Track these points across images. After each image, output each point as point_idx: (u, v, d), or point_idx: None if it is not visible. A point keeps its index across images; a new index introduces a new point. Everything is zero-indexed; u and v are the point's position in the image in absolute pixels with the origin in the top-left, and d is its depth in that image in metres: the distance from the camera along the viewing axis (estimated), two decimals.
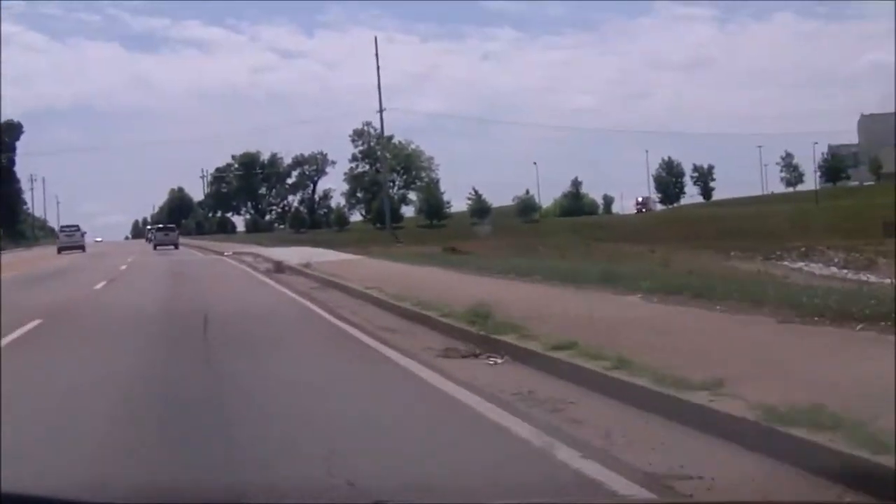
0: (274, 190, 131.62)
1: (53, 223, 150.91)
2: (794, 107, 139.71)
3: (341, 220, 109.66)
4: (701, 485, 4.20)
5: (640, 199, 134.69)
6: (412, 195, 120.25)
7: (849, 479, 4.06)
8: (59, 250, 53.26)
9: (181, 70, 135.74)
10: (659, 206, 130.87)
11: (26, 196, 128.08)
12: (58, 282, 24.22)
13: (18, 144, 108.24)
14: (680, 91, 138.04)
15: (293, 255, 28.75)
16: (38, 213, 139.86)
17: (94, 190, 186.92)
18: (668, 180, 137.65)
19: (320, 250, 31.68)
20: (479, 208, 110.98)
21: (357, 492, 4.03)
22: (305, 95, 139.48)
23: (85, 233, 66.25)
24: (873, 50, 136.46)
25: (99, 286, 20.91)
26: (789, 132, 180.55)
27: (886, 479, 3.87)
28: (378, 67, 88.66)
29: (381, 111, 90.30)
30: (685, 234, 57.01)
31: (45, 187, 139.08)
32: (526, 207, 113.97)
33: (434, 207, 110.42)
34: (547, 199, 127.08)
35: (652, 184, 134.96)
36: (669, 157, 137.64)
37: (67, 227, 65.21)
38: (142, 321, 12.42)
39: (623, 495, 4.12)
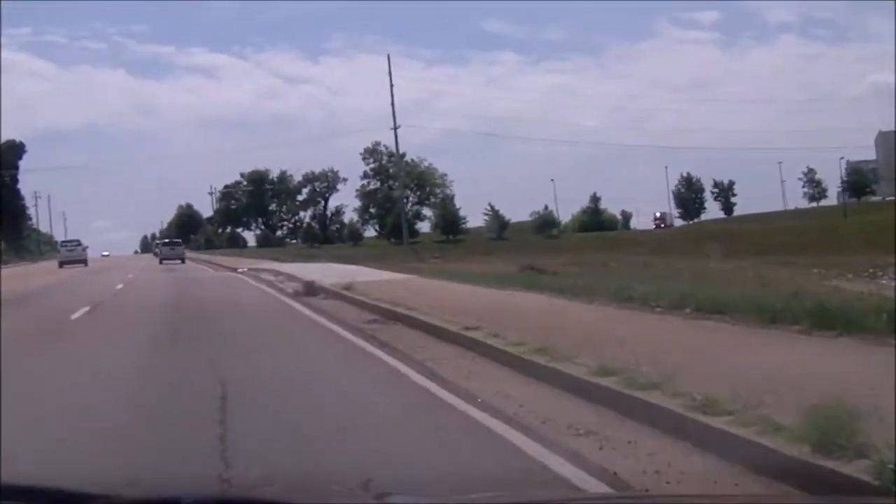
0: (284, 206, 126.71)
1: (61, 238, 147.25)
2: (799, 125, 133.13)
3: (355, 236, 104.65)
4: None
5: (658, 215, 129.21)
6: (426, 211, 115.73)
7: None
8: (61, 264, 52.58)
9: (186, 96, 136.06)
10: (679, 222, 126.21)
11: (32, 213, 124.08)
12: (29, 307, 18.85)
13: (21, 164, 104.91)
14: (684, 112, 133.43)
15: (321, 272, 23.56)
16: (44, 228, 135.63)
17: (103, 207, 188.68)
18: (688, 196, 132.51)
19: (351, 267, 26.47)
20: (497, 223, 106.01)
21: None
22: (310, 121, 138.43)
23: (86, 247, 64.93)
24: (877, 71, 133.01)
25: (76, 315, 15.64)
26: (795, 148, 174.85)
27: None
28: (391, 84, 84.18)
29: (395, 127, 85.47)
30: (736, 249, 52.02)
31: (50, 204, 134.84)
32: (545, 223, 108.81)
33: (450, 222, 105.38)
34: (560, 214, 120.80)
35: (670, 199, 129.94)
36: (688, 174, 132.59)
37: (68, 241, 64.60)
38: (112, 401, 6.99)
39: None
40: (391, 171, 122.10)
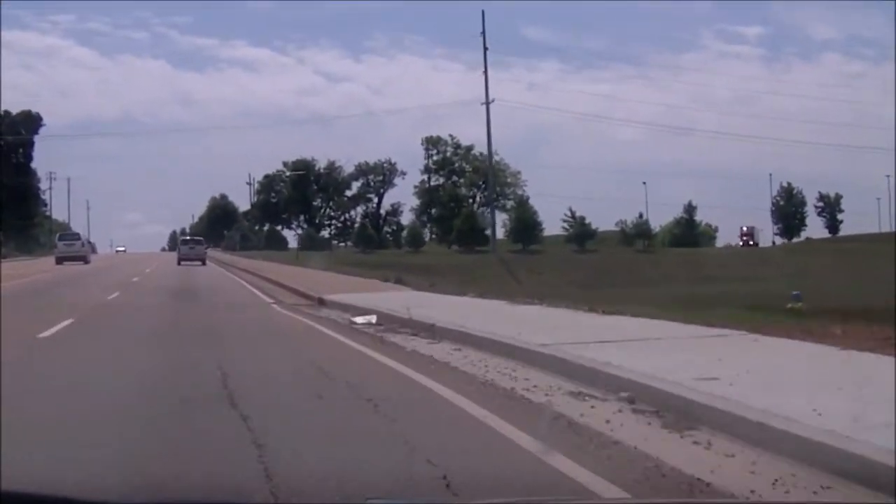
0: (331, 202, 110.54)
1: (80, 229, 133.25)
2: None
3: (416, 240, 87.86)
4: None
5: (745, 229, 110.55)
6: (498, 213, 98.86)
7: None
8: (58, 261, 46.88)
9: (226, 89, 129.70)
10: (778, 240, 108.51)
11: (52, 201, 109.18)
12: None
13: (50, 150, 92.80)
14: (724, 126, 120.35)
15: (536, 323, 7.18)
16: (59, 216, 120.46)
17: (136, 200, 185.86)
18: (788, 209, 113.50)
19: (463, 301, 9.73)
20: (581, 232, 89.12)
21: None
22: (349, 119, 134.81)
23: (88, 242, 60.49)
24: None
25: None
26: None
27: None
28: (485, 49, 68.22)
29: (487, 102, 68.41)
30: None
31: (70, 189, 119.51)
32: (639, 233, 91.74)
33: (526, 229, 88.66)
34: (606, 222, 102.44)
35: (766, 213, 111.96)
36: (789, 183, 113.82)
37: (67, 235, 58.54)
38: None
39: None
40: (457, 165, 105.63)
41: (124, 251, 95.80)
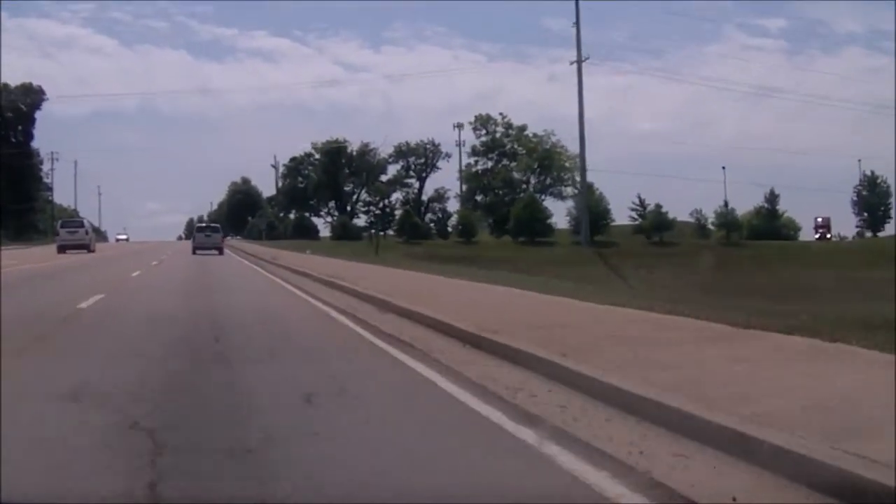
0: (365, 188, 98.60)
1: (93, 217, 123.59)
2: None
3: (468, 230, 75.66)
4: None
5: (819, 220, 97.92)
6: (552, 201, 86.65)
7: None
8: (60, 249, 44.08)
9: (246, 79, 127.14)
10: (864, 234, 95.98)
11: (55, 185, 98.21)
12: None
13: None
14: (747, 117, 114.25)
15: None
16: (66, 201, 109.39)
17: (156, 189, 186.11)
18: (874, 201, 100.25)
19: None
20: (657, 222, 76.90)
21: None
22: (369, 110, 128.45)
23: (94, 229, 56.97)
24: None
25: None
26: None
27: None
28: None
29: (579, 60, 55.80)
30: None
31: (76, 173, 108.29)
32: (724, 224, 79.44)
33: (595, 219, 76.61)
34: (679, 212, 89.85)
35: (848, 204, 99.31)
36: (872, 172, 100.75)
37: (69, 221, 53.83)
38: None
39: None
40: (509, 147, 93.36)
41: (126, 240, 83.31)
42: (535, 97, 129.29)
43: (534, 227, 75.51)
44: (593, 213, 76.75)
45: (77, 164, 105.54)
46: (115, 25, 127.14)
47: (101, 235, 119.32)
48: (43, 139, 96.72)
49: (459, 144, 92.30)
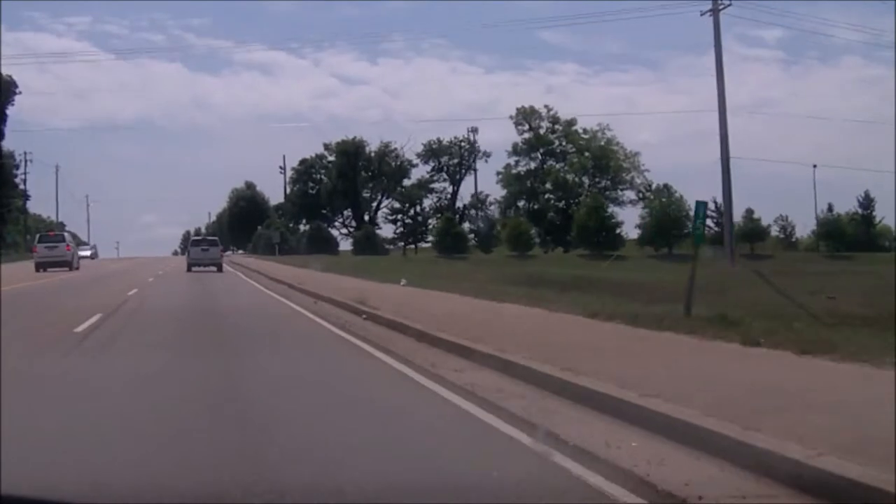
0: (386, 193, 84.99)
1: (81, 230, 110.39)
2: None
3: (522, 242, 61.95)
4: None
5: None
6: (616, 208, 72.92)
7: None
8: (38, 267, 37.91)
9: (243, 92, 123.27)
10: None
11: (41, 198, 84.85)
12: None
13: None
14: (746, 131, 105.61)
15: None
16: (42, 211, 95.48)
17: (153, 202, 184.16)
18: None
19: None
20: (750, 230, 63.56)
21: None
22: (366, 122, 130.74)
23: (74, 244, 47.46)
24: None
25: None
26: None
27: None
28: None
29: (715, 10, 41.79)
30: None
31: (58, 179, 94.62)
32: (829, 234, 65.95)
33: (664, 228, 63.25)
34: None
35: None
36: None
37: (49, 236, 45.69)
38: None
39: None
40: (557, 145, 79.79)
41: (92, 257, 66.60)
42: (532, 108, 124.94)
43: (598, 237, 62.04)
44: (669, 221, 63.33)
45: (59, 170, 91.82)
46: (111, 39, 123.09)
47: (94, 251, 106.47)
48: (39, 151, 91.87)
49: (474, 148, 79.51)
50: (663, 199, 64.61)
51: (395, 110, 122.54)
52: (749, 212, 63.66)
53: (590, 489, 4.27)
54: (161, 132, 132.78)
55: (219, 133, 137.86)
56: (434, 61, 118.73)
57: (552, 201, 73.36)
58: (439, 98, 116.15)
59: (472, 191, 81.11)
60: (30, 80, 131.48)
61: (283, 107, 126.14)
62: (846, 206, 71.41)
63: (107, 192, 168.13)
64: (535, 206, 75.80)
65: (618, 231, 64.22)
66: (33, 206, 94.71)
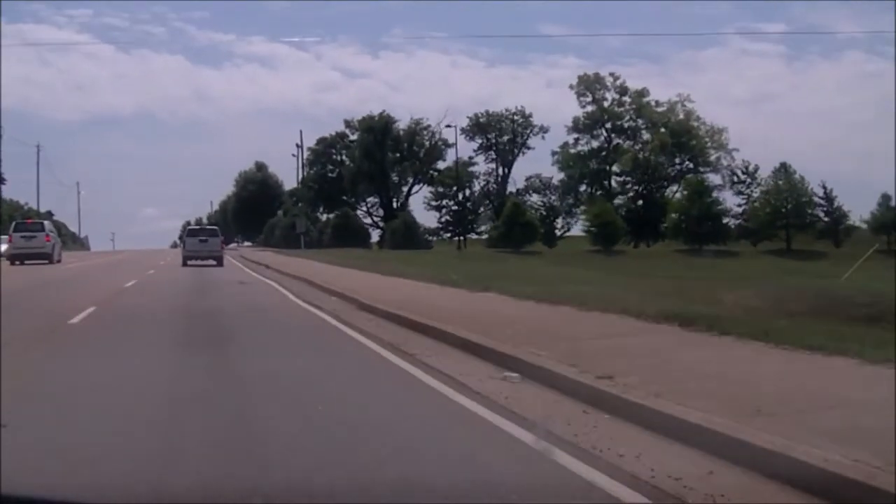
0: (419, 176, 72.60)
1: (71, 221, 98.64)
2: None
3: (612, 235, 49.72)
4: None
5: None
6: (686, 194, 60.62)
7: None
8: (12, 260, 35.62)
9: (244, 85, 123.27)
10: None
11: (24, 184, 72.42)
12: None
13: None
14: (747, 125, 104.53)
15: None
16: (25, 199, 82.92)
17: (154, 195, 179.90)
18: None
19: None
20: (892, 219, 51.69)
21: None
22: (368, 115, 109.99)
23: (56, 234, 41.38)
24: None
25: None
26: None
27: None
28: None
29: None
30: None
31: (39, 159, 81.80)
32: None
33: (771, 220, 51.36)
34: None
35: None
36: None
37: (25, 224, 40.53)
38: None
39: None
40: (627, 121, 67.37)
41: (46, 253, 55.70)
42: (533, 102, 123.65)
43: (701, 227, 49.92)
44: (792, 206, 51.18)
45: (40, 149, 79.16)
46: (112, 31, 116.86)
47: (78, 242, 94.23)
48: (38, 143, 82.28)
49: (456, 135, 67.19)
50: (779, 182, 52.28)
51: (395, 104, 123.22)
52: (885, 198, 51.46)
53: None
54: (162, 125, 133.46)
55: (220, 125, 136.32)
56: (435, 55, 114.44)
57: (629, 185, 60.94)
58: (439, 91, 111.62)
59: (526, 174, 68.71)
60: (30, 72, 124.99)
61: (284, 99, 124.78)
62: None
63: (106, 185, 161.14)
64: (599, 192, 63.53)
65: (724, 220, 52.08)
66: (13, 193, 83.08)
